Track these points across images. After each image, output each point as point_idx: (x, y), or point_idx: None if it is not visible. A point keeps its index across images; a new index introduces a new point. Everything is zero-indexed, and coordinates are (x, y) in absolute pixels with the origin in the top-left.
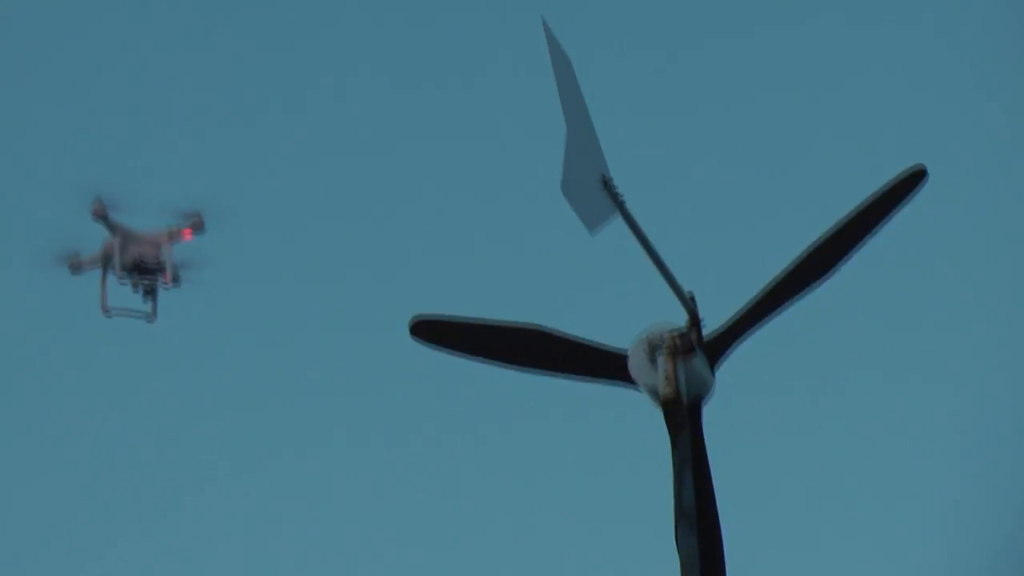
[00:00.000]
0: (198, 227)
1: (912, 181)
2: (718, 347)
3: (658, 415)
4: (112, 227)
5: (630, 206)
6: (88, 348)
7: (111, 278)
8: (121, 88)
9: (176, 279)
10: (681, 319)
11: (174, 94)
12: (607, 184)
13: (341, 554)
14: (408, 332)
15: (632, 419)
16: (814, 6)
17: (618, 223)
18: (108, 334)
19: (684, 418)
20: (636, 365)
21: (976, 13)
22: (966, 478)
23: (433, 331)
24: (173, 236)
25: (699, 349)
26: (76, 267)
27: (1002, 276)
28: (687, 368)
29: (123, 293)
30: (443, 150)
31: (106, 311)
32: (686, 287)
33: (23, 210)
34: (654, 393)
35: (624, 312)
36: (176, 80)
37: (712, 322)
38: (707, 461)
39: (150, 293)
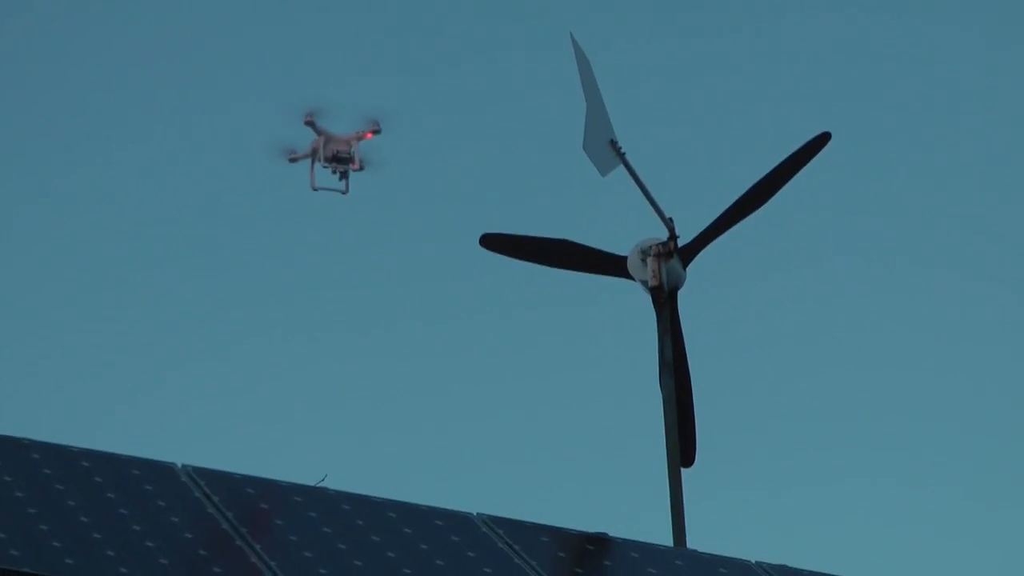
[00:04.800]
0: (377, 131)
1: (819, 142)
2: (689, 252)
3: (647, 299)
4: (318, 131)
5: (629, 156)
6: (300, 213)
7: (317, 166)
8: (323, 27)
9: (362, 166)
10: (664, 234)
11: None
12: (613, 144)
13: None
14: (479, 243)
15: (632, 305)
16: None
17: (621, 170)
18: (313, 203)
19: (666, 301)
20: (633, 265)
21: None
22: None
23: (496, 243)
24: (360, 137)
25: (676, 254)
26: (293, 159)
27: None
28: (667, 267)
29: (325, 175)
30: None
31: (314, 188)
32: (667, 212)
33: (257, 120)
34: (645, 284)
35: (626, 230)
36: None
37: (685, 235)
38: (681, 329)
39: (344, 175)
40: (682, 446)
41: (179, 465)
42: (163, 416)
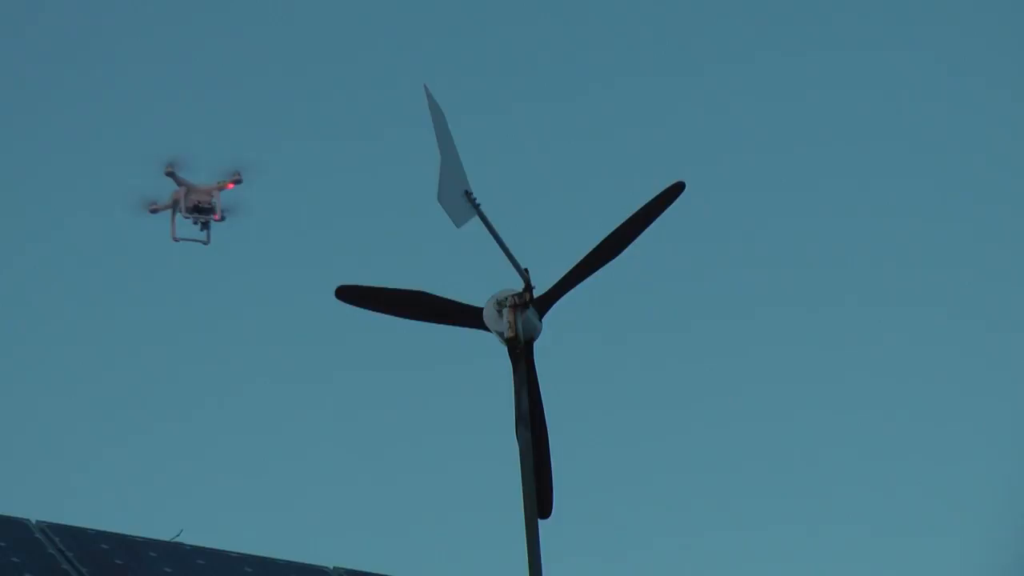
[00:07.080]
0: (238, 181)
1: (673, 191)
2: (544, 303)
3: (503, 351)
4: (179, 182)
5: (484, 208)
6: (160, 265)
7: (178, 216)
8: (183, 79)
9: (223, 217)
10: (519, 285)
11: (224, 88)
12: (468, 195)
13: None
14: (335, 295)
15: (488, 356)
16: None
17: (476, 221)
18: (174, 255)
19: (521, 352)
20: (489, 316)
21: None
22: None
23: (351, 294)
24: (221, 187)
25: (531, 305)
26: (154, 210)
27: None
28: (523, 318)
29: (186, 226)
30: None
31: (175, 239)
32: (523, 263)
33: (118, 172)
34: (501, 335)
35: (481, 282)
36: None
37: (541, 286)
38: (537, 381)
39: (205, 226)
40: (539, 497)
41: (33, 521)
42: (16, 471)
